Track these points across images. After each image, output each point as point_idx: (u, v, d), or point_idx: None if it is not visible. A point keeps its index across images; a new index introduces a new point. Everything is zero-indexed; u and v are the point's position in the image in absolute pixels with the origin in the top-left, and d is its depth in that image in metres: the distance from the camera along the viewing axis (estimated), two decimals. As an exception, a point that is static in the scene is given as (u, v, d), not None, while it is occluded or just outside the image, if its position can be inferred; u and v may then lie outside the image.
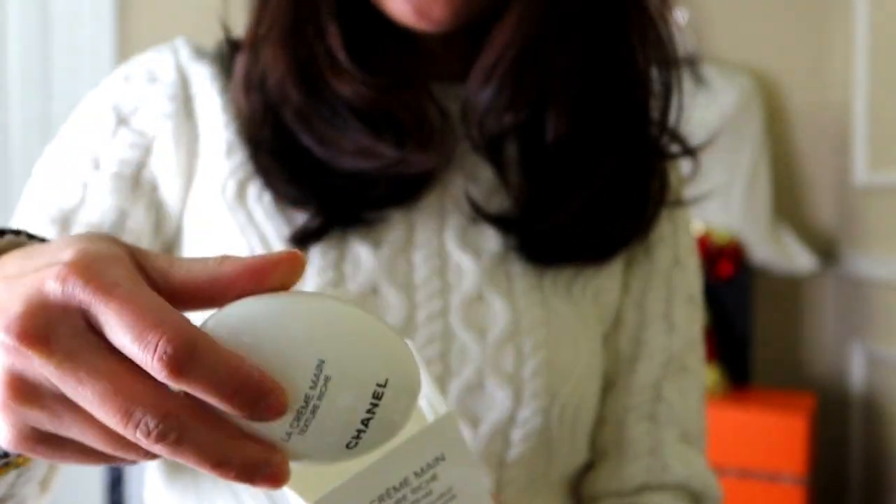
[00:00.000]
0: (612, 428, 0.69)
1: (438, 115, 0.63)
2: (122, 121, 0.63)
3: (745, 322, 2.13)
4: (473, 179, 0.65)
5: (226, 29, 0.68)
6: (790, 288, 2.31)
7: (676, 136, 0.69)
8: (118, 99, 0.64)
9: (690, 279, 0.72)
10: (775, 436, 1.91)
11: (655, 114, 0.66)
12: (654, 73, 0.65)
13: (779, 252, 2.17)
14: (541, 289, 0.63)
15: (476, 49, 0.63)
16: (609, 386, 0.69)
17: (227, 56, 0.67)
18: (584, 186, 0.63)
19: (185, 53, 0.66)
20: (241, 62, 0.63)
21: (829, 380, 2.30)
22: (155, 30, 2.24)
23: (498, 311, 0.61)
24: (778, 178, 2.25)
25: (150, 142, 0.63)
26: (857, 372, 2.21)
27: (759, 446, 1.92)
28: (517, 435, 0.61)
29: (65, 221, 0.61)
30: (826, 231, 2.31)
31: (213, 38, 0.68)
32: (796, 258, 2.17)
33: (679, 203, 0.71)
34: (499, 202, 0.64)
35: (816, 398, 2.13)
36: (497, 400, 0.60)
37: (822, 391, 2.25)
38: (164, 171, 0.63)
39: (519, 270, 0.63)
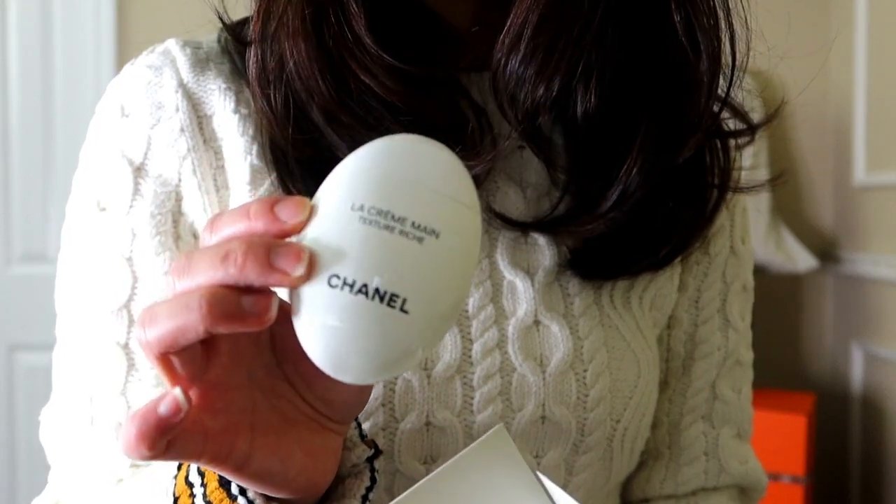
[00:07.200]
0: (666, 429, 0.67)
1: (473, 112, 0.56)
2: (137, 170, 0.57)
3: (744, 321, 2.13)
4: (520, 183, 0.59)
5: (225, 18, 0.60)
6: (789, 287, 2.31)
7: (737, 111, 0.62)
8: (124, 144, 0.58)
9: (745, 267, 0.68)
10: (775, 435, 1.91)
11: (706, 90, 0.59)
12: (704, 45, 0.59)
13: (778, 251, 2.17)
14: (599, 304, 0.59)
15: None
16: (663, 387, 0.66)
17: (232, 49, 0.60)
18: (632, 170, 0.56)
19: (184, 65, 0.58)
20: (253, 59, 0.56)
21: (828, 379, 2.30)
22: (155, 29, 2.24)
23: (556, 337, 0.57)
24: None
25: (174, 188, 0.57)
26: (856, 371, 2.21)
27: (758, 446, 1.88)
28: (581, 462, 0.58)
29: (126, 305, 0.57)
30: (825, 230, 2.32)
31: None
32: (795, 257, 2.17)
33: (739, 189, 0.64)
34: (549, 206, 0.58)
35: (816, 398, 2.13)
36: (561, 432, 0.57)
37: (821, 390, 2.25)
38: (199, 216, 0.57)
39: (575, 286, 0.59)
